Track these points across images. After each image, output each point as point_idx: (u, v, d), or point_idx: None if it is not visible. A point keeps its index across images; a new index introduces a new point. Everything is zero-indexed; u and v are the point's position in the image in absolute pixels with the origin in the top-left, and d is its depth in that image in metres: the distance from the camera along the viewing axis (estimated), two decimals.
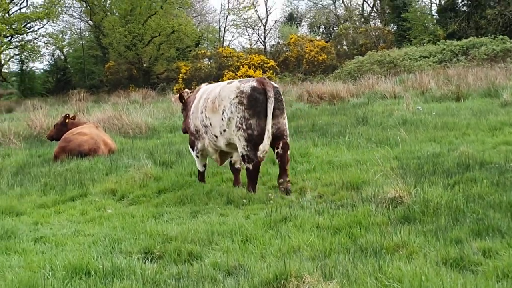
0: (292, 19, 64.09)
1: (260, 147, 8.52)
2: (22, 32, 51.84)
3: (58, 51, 60.88)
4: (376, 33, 51.93)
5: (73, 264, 5.85)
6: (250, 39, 67.14)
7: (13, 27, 49.64)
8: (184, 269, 5.67)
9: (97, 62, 60.31)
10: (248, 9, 63.06)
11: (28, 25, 53.62)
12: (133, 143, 15.42)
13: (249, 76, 41.47)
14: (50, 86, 56.75)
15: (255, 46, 62.75)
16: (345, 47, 54.47)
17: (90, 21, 58.16)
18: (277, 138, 8.80)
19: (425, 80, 23.14)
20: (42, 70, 62.34)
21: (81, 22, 62.06)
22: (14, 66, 60.15)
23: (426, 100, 19.29)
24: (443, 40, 37.06)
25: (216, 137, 9.21)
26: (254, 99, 8.57)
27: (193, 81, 44.59)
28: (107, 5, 56.64)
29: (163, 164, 11.58)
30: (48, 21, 54.57)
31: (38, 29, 55.87)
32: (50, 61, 60.62)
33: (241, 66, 45.61)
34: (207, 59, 51.88)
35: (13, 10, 54.13)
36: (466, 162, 8.83)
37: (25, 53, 55.09)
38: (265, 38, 64.38)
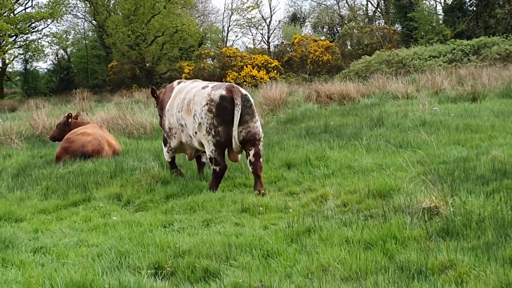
0: (295, 19, 63.60)
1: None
2: (27, 31, 52.24)
3: (61, 51, 61.09)
4: (382, 33, 51.32)
5: (75, 282, 5.21)
6: (253, 39, 66.88)
7: (18, 26, 49.90)
8: None
9: (100, 61, 60.26)
10: (251, 9, 62.89)
11: (33, 24, 53.74)
12: (138, 144, 14.83)
13: (253, 76, 41.05)
14: (53, 86, 56.91)
15: (258, 46, 62.44)
16: (350, 47, 53.98)
17: (93, 21, 58.11)
18: (249, 142, 8.95)
19: (438, 80, 22.45)
20: (45, 70, 62.89)
21: (85, 22, 62.40)
22: (18, 66, 60.43)
23: (440, 100, 18.63)
24: (453, 40, 36.45)
25: (191, 137, 9.40)
26: (222, 108, 8.84)
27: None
28: (111, 5, 56.77)
29: None
30: (52, 21, 54.84)
31: (43, 28, 56.13)
32: (54, 61, 60.85)
33: (244, 66, 45.10)
34: (210, 59, 51.56)
35: (18, 10, 54.64)
36: (502, 167, 8.11)
37: (29, 53, 55.46)
38: (268, 38, 64.04)
